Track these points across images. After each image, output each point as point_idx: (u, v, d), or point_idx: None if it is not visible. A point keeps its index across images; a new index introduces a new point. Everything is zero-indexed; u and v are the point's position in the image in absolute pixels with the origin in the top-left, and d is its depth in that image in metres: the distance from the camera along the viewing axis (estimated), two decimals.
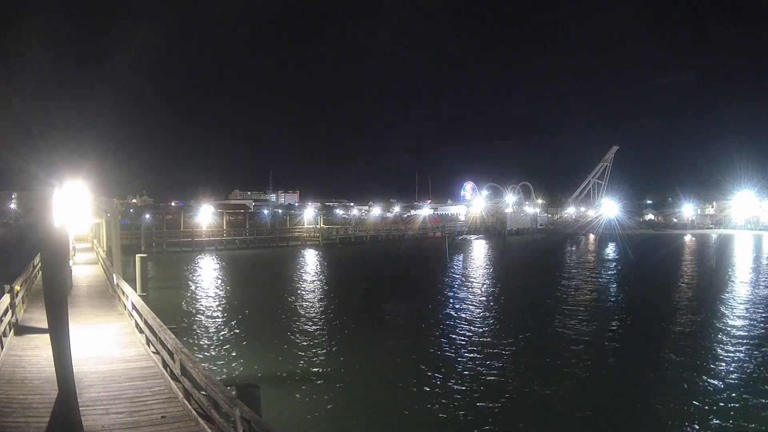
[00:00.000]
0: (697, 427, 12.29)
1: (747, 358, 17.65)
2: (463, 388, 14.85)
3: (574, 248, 65.73)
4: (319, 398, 13.90)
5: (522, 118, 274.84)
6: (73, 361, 7.00)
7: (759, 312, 25.07)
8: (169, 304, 25.44)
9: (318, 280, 38.43)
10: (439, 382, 15.31)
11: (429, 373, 16.07)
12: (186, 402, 8.58)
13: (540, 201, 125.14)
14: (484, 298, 29.86)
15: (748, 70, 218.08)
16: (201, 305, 26.97)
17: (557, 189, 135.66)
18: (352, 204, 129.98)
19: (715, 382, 15.17)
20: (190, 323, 22.18)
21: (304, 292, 31.70)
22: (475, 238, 76.59)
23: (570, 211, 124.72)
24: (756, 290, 31.80)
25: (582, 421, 12.93)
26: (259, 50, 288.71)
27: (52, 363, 6.91)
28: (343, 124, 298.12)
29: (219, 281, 37.07)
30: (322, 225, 76.84)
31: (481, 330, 21.94)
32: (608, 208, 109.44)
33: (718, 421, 12.58)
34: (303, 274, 41.19)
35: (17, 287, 15.54)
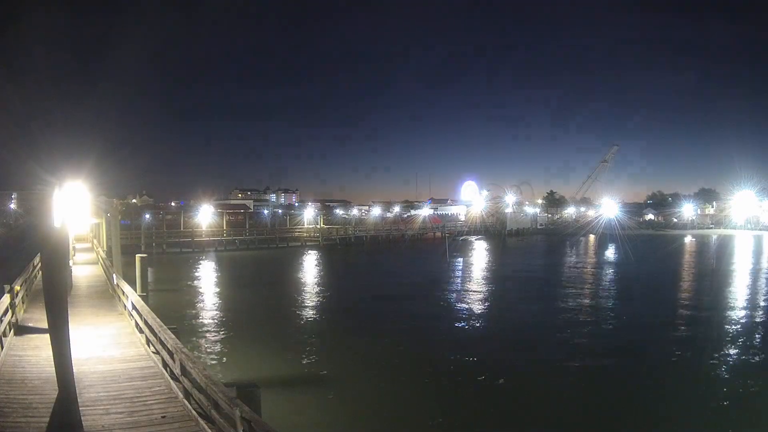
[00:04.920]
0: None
1: (748, 360, 17.64)
2: (463, 388, 14.84)
3: (574, 249, 65.66)
4: (319, 398, 13.91)
5: (522, 118, 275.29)
6: (73, 361, 6.99)
7: (758, 312, 25.07)
8: (169, 304, 25.42)
9: (317, 281, 38.40)
10: (438, 382, 15.30)
11: (428, 374, 16.06)
12: (186, 402, 8.58)
13: (540, 201, 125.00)
14: (483, 302, 29.85)
15: (748, 69, 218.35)
16: (201, 306, 26.97)
17: (557, 189, 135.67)
18: (352, 204, 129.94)
19: (719, 387, 15.16)
20: (190, 323, 22.17)
21: (303, 294, 31.69)
22: (476, 239, 76.50)
23: (570, 211, 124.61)
24: (756, 291, 31.78)
25: (583, 424, 12.93)
26: (260, 50, 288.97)
27: (52, 363, 6.90)
28: (344, 124, 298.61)
29: (219, 282, 37.06)
30: (322, 225, 76.75)
31: (481, 332, 21.97)
32: (608, 208, 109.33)
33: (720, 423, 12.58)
34: (303, 276, 41.18)
35: (17, 287, 15.52)
